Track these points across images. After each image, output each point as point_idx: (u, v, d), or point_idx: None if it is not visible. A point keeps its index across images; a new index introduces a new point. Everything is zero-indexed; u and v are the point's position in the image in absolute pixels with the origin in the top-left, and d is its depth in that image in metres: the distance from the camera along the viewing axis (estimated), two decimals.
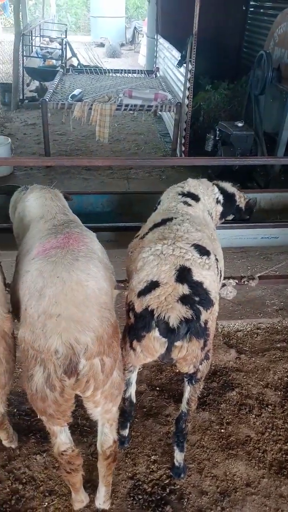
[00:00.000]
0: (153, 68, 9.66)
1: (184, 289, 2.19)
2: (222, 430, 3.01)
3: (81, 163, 4.50)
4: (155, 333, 2.20)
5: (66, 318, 1.97)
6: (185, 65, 6.69)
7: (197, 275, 2.24)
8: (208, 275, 2.27)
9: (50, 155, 6.89)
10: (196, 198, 2.74)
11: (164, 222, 2.54)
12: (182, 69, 7.15)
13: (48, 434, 2.83)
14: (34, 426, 2.99)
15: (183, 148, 7.11)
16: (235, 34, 9.65)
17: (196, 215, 2.60)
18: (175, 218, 2.54)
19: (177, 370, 3.46)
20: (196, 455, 2.84)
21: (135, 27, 18.30)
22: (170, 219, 2.55)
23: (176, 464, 2.65)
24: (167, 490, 2.65)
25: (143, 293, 2.24)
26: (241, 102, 7.90)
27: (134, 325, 2.29)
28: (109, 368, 2.09)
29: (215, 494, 2.64)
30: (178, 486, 2.67)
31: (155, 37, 9.83)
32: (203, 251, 2.33)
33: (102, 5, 18.81)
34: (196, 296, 2.20)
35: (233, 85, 8.36)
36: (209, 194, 2.81)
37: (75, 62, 11.00)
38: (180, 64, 6.69)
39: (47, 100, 6.56)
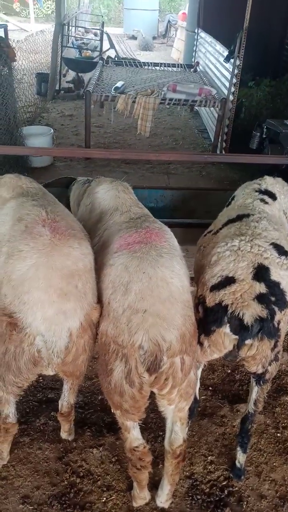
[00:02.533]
0: (192, 62, 9.55)
1: (261, 287, 2.16)
2: (278, 434, 2.96)
3: (148, 157, 4.45)
4: (226, 329, 2.18)
5: (152, 314, 1.95)
6: (232, 60, 6.58)
7: (275, 275, 2.19)
8: (285, 275, 2.22)
9: (90, 146, 6.86)
10: (273, 196, 2.68)
11: (240, 218, 2.50)
12: (227, 64, 7.04)
13: (105, 428, 2.89)
14: (89, 419, 2.99)
15: (224, 145, 7.01)
16: (278, 31, 9.44)
17: (272, 214, 2.55)
18: (252, 215, 2.49)
19: (229, 371, 3.42)
20: (254, 458, 2.80)
21: (169, 21, 18.10)
22: (247, 216, 2.50)
23: (238, 465, 2.62)
24: (225, 491, 2.61)
25: (216, 287, 2.22)
26: (284, 100, 7.77)
27: (203, 319, 2.27)
28: (188, 367, 2.06)
29: (274, 498, 2.60)
30: (237, 488, 2.63)
31: (196, 31, 9.70)
32: (281, 251, 2.27)
33: None
34: (273, 296, 2.16)
35: (275, 82, 8.21)
36: (285, 193, 2.75)
37: (112, 53, 10.93)
38: (228, 59, 6.59)
39: (90, 91, 6.52)
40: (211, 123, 8.12)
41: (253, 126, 6.89)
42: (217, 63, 7.81)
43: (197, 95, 6.68)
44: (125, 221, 2.51)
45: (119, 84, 6.93)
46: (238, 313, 2.13)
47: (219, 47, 7.74)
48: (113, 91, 6.72)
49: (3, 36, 5.77)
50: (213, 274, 2.25)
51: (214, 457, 2.79)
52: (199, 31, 9.52)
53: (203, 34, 9.21)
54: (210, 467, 2.74)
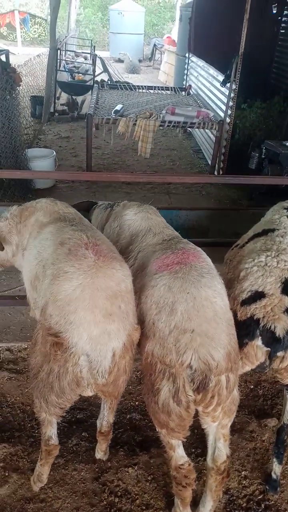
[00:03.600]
0: (184, 85, 9.83)
1: None
2: None
3: (168, 179, 4.58)
4: (258, 341, 2.26)
5: (200, 334, 2.01)
6: (228, 84, 6.82)
7: None
8: None
9: (92, 168, 6.97)
10: None
11: (265, 232, 2.61)
12: (223, 88, 7.29)
13: (137, 447, 2.91)
14: (120, 438, 3.01)
15: (221, 165, 7.21)
16: (266, 55, 9.81)
17: None
18: (277, 229, 2.60)
19: (252, 386, 3.49)
20: (286, 471, 2.85)
21: (154, 44, 18.60)
22: (272, 230, 2.61)
23: (274, 476, 2.67)
24: (262, 505, 2.66)
25: (247, 302, 2.30)
26: (276, 121, 8.04)
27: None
28: (233, 384, 2.13)
29: None
30: (273, 502, 2.68)
31: (186, 55, 10.02)
32: None
33: (121, 22, 19.17)
34: None
35: (265, 104, 8.50)
36: None
37: (104, 77, 11.17)
38: (224, 83, 6.82)
39: (92, 114, 6.66)
40: (206, 144, 8.34)
41: (248, 147, 7.13)
42: (211, 87, 8.08)
43: (195, 117, 6.88)
44: (158, 243, 2.59)
45: (118, 107, 7.10)
46: (270, 326, 2.21)
47: (213, 71, 8.01)
48: (113, 114, 6.88)
49: (6, 61, 5.89)
50: (243, 289, 2.34)
51: (247, 471, 2.84)
52: (190, 56, 9.83)
53: (194, 59, 9.52)
54: (244, 482, 2.78)
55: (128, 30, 19.17)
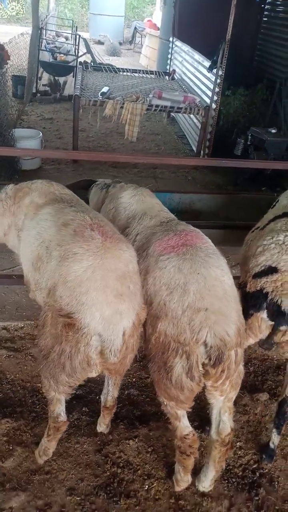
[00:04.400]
0: (168, 70, 9.82)
1: None
2: None
3: (155, 161, 4.59)
4: (263, 314, 2.38)
5: (214, 312, 2.10)
6: (214, 70, 6.87)
7: None
8: None
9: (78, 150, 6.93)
10: None
11: (286, 215, 2.71)
12: (209, 74, 7.34)
13: (136, 421, 3.01)
14: (120, 413, 3.08)
15: (206, 151, 7.29)
16: (249, 43, 9.91)
17: None
18: None
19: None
20: (279, 443, 3.00)
21: (135, 27, 18.37)
22: None
23: (271, 446, 2.81)
24: (257, 473, 2.80)
25: (259, 275, 2.41)
26: (259, 109, 8.17)
27: (241, 304, 2.41)
28: (240, 358, 2.24)
29: None
30: (267, 470, 2.83)
31: (170, 39, 9.98)
32: None
33: (102, 3, 18.82)
34: None
35: (248, 92, 8.60)
36: None
37: (86, 58, 11.01)
38: (211, 68, 6.87)
39: (79, 95, 6.60)
40: (190, 129, 8.40)
41: (232, 133, 7.24)
42: (196, 72, 8.11)
43: (182, 102, 6.92)
44: (157, 225, 2.66)
45: (105, 89, 7.06)
46: (277, 300, 2.32)
47: (198, 56, 8.04)
48: (100, 96, 6.84)
49: None
50: (258, 263, 2.45)
51: (242, 443, 2.98)
52: (174, 40, 9.80)
53: (178, 43, 9.51)
54: (240, 452, 2.92)
55: (109, 12, 18.83)
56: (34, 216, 2.58)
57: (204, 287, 2.14)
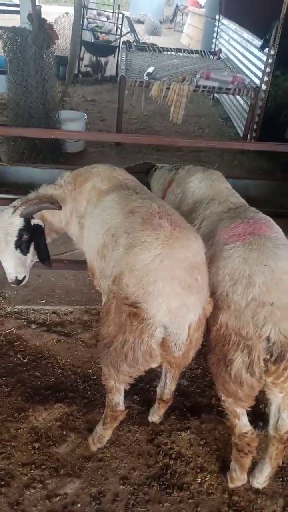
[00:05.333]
0: (214, 49, 9.51)
1: None
2: None
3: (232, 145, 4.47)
4: None
5: (280, 308, 1.99)
6: (266, 49, 6.58)
7: None
8: None
9: (121, 132, 6.83)
10: None
11: None
12: (257, 52, 7.05)
13: (188, 412, 2.96)
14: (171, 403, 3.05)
15: (254, 134, 7.04)
16: None
17: None
18: None
19: None
20: None
21: (177, 5, 17.88)
22: None
23: None
24: None
25: None
26: None
27: None
28: None
29: None
30: None
31: (217, 17, 9.64)
32: None
33: None
34: None
35: None
36: None
37: (129, 38, 10.80)
38: (262, 48, 6.59)
39: (125, 76, 6.47)
40: (235, 111, 8.14)
41: (280, 116, 6.93)
42: (245, 51, 7.80)
43: (230, 83, 6.69)
44: (224, 211, 2.54)
45: (150, 69, 6.90)
46: None
47: (247, 35, 7.72)
48: (145, 77, 6.68)
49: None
50: None
51: None
52: (220, 18, 9.45)
53: (225, 21, 9.17)
54: None
55: None
56: (97, 202, 2.52)
57: (271, 280, 2.03)
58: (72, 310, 3.71)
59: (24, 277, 2.68)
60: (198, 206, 2.68)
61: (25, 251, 2.62)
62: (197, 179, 2.79)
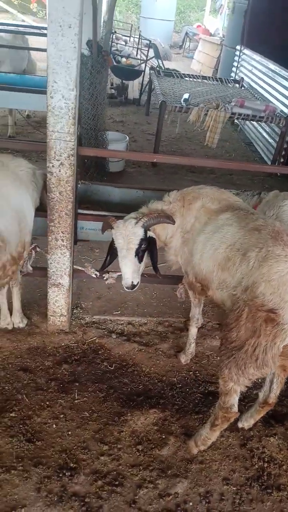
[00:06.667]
0: (233, 77, 9.95)
1: None
2: None
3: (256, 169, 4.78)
4: None
5: None
6: None
7: None
8: None
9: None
10: None
11: None
12: (285, 83, 7.45)
13: (272, 419, 3.14)
14: None
15: (281, 160, 7.39)
16: None
17: None
18: None
19: None
20: None
21: (186, 32, 18.54)
22: None
23: None
24: None
25: None
26: None
27: None
28: None
29: None
30: None
31: (238, 47, 10.11)
32: None
33: (153, 7, 19.04)
34: None
35: None
36: None
37: (152, 63, 11.22)
38: None
39: (165, 101, 6.79)
40: (259, 137, 8.51)
41: None
42: (270, 81, 8.22)
43: (263, 111, 7.04)
44: None
45: (186, 95, 7.23)
46: None
47: (273, 66, 8.15)
48: (183, 102, 7.01)
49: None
50: None
51: None
52: (242, 48, 9.92)
53: (247, 52, 9.63)
54: None
55: (159, 16, 19.04)
56: (209, 220, 2.76)
57: None
58: (146, 321, 3.89)
59: (138, 282, 2.90)
60: None
61: (141, 259, 2.86)
62: None
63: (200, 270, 2.78)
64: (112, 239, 2.94)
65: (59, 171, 2.83)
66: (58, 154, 2.78)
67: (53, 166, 2.82)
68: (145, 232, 2.84)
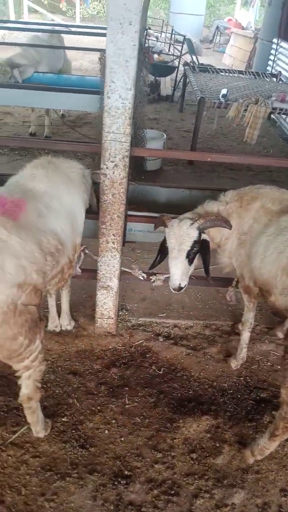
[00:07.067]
0: (270, 71, 9.69)
1: None
2: None
3: None
4: None
5: None
6: None
7: None
8: None
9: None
10: None
11: None
12: None
13: None
14: None
15: None
16: None
17: None
18: None
19: None
20: None
21: (217, 26, 18.24)
22: None
23: None
24: None
25: None
26: None
27: None
28: None
29: None
30: None
31: (274, 41, 9.84)
32: None
33: (183, 2, 18.83)
34: None
35: None
36: None
37: (186, 58, 11.06)
38: None
39: (204, 98, 6.67)
40: None
41: None
42: None
43: None
44: None
45: (224, 91, 7.07)
46: None
47: None
48: (221, 98, 6.86)
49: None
50: None
51: None
52: (279, 41, 9.66)
53: (285, 45, 9.36)
54: None
55: (189, 11, 18.81)
56: (270, 222, 2.66)
57: None
58: (192, 324, 3.82)
59: (185, 285, 2.82)
60: None
61: (191, 261, 2.77)
62: None
63: (261, 274, 2.68)
64: (164, 238, 2.88)
65: (113, 173, 2.78)
66: (112, 156, 2.73)
67: (107, 168, 2.77)
68: (200, 234, 2.75)
